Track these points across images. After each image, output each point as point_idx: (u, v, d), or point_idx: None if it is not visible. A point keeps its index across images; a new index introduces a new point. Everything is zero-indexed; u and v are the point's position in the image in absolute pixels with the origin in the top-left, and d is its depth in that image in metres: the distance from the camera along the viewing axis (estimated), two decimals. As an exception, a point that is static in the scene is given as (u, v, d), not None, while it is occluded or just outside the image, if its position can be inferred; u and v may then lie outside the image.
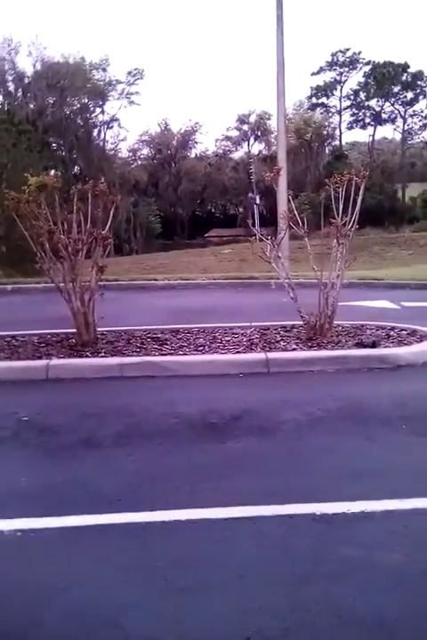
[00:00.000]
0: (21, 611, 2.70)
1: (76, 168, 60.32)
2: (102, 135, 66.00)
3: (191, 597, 2.77)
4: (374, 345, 7.22)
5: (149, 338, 7.77)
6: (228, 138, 70.33)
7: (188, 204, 69.50)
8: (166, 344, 7.46)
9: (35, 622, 2.62)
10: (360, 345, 7.25)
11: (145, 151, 72.36)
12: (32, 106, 56.75)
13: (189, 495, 3.75)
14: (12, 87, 59.85)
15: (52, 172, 27.66)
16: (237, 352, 7.10)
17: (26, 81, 59.03)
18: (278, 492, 3.79)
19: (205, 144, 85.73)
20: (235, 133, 69.53)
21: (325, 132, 66.74)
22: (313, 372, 6.59)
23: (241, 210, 66.48)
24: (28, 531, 3.35)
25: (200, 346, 7.39)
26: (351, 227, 7.72)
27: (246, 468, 4.18)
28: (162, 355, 7.01)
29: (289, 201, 8.89)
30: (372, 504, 3.58)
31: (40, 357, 6.96)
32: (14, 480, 4.00)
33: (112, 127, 65.94)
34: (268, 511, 3.54)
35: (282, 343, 7.44)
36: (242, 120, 67.62)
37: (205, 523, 3.45)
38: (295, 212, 8.14)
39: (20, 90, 59.33)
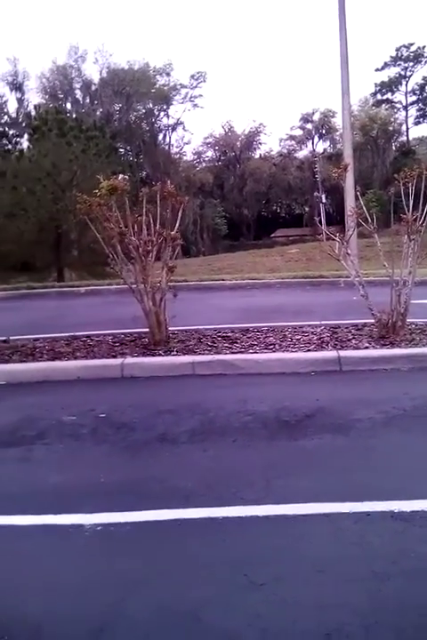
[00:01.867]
0: (104, 602, 2.78)
1: (143, 172, 61.24)
2: (167, 139, 66.84)
3: (271, 593, 2.78)
4: (450, 342, 7.03)
5: (219, 337, 7.82)
6: (292, 137, 69.78)
7: (253, 204, 69.35)
8: (237, 342, 7.49)
9: (117, 614, 2.69)
10: (435, 342, 7.07)
11: (210, 153, 72.72)
12: (99, 112, 58.01)
13: (265, 491, 3.75)
14: (79, 95, 61.45)
15: (120, 176, 28.16)
16: (308, 350, 7.04)
17: (93, 88, 60.40)
18: (354, 490, 3.75)
19: (270, 144, 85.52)
20: (299, 132, 68.91)
21: (391, 128, 65.23)
22: (387, 370, 6.47)
23: (307, 209, 65.91)
24: (108, 525, 3.43)
25: (270, 344, 7.38)
26: (423, 222, 7.54)
27: (321, 466, 4.16)
28: (233, 353, 7.05)
29: (357, 198, 8.75)
30: (452, 502, 3.50)
31: (115, 356, 7.12)
32: (93, 475, 4.10)
33: (177, 130, 66.73)
34: (344, 508, 3.51)
35: (354, 341, 7.34)
36: (306, 119, 66.97)
37: (281, 519, 3.45)
38: (364, 208, 8.01)
39: (87, 97, 60.83)
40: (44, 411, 5.50)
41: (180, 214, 7.76)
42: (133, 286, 7.52)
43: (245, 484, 3.86)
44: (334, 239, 7.98)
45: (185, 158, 68.99)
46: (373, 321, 7.61)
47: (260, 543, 3.22)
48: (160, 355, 7.10)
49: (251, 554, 3.11)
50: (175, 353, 7.14)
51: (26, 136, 29.51)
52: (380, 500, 3.58)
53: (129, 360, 6.85)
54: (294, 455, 4.33)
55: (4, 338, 8.12)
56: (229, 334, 7.91)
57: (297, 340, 7.51)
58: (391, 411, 5.13)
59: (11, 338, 8.12)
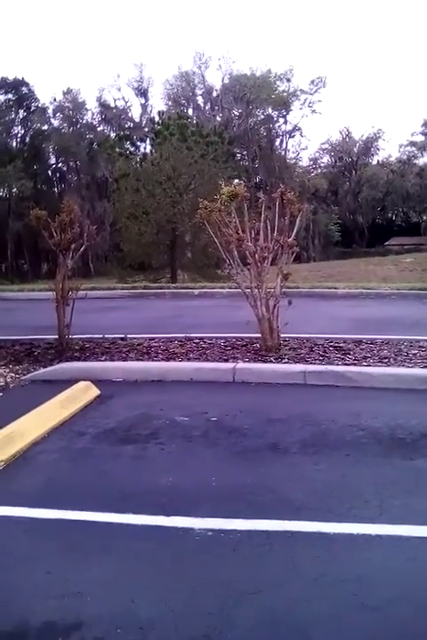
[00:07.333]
0: (211, 610, 2.76)
1: (258, 177, 61.57)
2: (284, 145, 66.84)
3: (382, 617, 2.69)
4: None
5: (331, 347, 7.71)
6: (412, 143, 67.77)
7: (368, 211, 68.04)
8: (349, 354, 7.35)
9: (227, 623, 2.67)
10: None
11: (325, 159, 72.16)
12: (219, 118, 58.93)
13: (378, 510, 3.63)
14: (201, 101, 62.88)
15: (236, 181, 28.48)
16: (426, 367, 6.79)
17: (214, 94, 61.54)
18: None
19: (388, 150, 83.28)
20: (420, 138, 66.83)
21: None
22: None
23: (425, 217, 63.67)
24: (218, 531, 3.44)
25: (384, 358, 7.18)
26: None
27: (438, 488, 3.98)
28: (345, 364, 6.92)
29: None
30: None
31: (227, 360, 7.20)
32: (205, 479, 4.13)
33: (294, 136, 66.60)
34: (465, 534, 3.33)
35: None
36: (428, 124, 64.75)
37: (395, 540, 3.33)
38: None
39: (208, 103, 62.05)
40: (158, 410, 5.64)
41: (297, 222, 7.73)
42: (247, 291, 7.56)
43: (358, 500, 3.76)
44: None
45: (301, 163, 68.76)
46: None
47: (371, 563, 3.12)
48: (271, 361, 7.09)
49: (361, 573, 3.01)
50: (287, 360, 7.11)
51: (148, 140, 30.48)
52: None
53: (241, 365, 6.90)
54: (410, 475, 4.15)
55: (122, 335, 8.44)
56: (341, 345, 7.78)
57: (414, 354, 7.26)
58: None
59: (128, 336, 8.43)
